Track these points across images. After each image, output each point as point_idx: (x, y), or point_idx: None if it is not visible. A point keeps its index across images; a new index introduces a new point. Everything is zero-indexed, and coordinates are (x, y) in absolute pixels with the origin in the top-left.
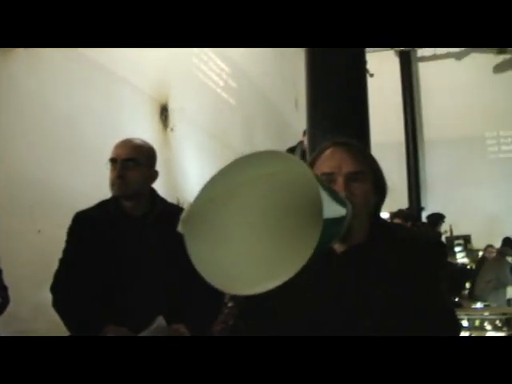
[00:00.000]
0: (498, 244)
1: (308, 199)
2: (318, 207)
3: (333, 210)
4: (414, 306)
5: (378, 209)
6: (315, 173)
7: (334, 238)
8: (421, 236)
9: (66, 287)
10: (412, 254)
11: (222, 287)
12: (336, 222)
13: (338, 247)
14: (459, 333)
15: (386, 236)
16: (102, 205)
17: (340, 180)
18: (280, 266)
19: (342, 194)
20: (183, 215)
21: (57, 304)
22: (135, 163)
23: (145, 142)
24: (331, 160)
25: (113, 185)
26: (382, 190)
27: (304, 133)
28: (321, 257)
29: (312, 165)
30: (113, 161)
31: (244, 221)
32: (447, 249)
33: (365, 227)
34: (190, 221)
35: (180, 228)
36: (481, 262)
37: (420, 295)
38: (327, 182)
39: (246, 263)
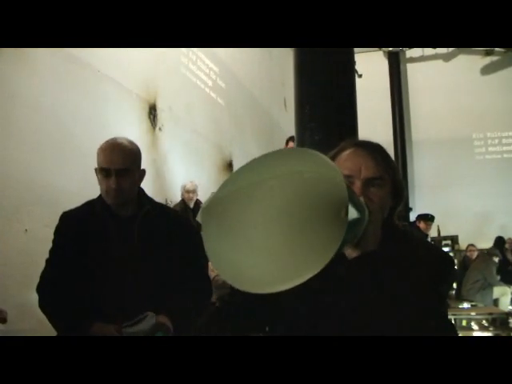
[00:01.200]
0: (486, 244)
1: (334, 201)
2: (344, 210)
3: (352, 213)
4: (419, 319)
5: (392, 213)
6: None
7: (350, 242)
8: (434, 249)
9: (52, 287)
10: (425, 267)
11: (235, 283)
12: (353, 225)
13: (351, 252)
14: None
15: (399, 244)
16: (89, 204)
17: (358, 184)
18: (299, 266)
19: (362, 199)
20: (204, 204)
21: (43, 304)
22: (129, 172)
23: (132, 144)
24: (351, 162)
25: (107, 193)
26: (398, 194)
27: (287, 142)
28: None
29: None
30: (105, 170)
31: (265, 217)
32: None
33: (379, 233)
34: (211, 211)
35: (199, 217)
36: (464, 262)
37: (425, 308)
38: None
39: (264, 261)
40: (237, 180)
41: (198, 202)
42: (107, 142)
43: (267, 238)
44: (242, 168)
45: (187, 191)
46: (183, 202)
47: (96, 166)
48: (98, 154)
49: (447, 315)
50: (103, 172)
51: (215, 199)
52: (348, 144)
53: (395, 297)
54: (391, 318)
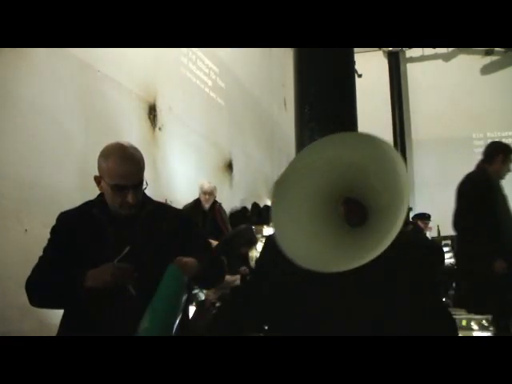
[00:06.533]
0: None
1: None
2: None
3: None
4: (411, 308)
5: None
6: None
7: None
8: (421, 240)
9: (40, 278)
10: (413, 258)
11: (299, 261)
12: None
13: None
14: (456, 331)
15: None
16: (87, 205)
17: None
18: (358, 249)
19: None
20: (278, 178)
21: (31, 292)
22: (142, 182)
23: (138, 152)
24: None
25: (121, 206)
26: None
27: None
28: None
29: None
30: (122, 187)
31: (321, 194)
32: (443, 253)
33: None
34: (282, 185)
35: (272, 190)
36: None
37: (418, 297)
38: None
39: (327, 242)
40: (300, 159)
41: (216, 207)
42: (115, 152)
43: (321, 220)
44: (306, 149)
45: (204, 192)
46: (198, 201)
47: (97, 173)
48: (107, 165)
49: (439, 297)
50: (118, 187)
51: (286, 174)
52: None
53: (384, 290)
54: (380, 312)
